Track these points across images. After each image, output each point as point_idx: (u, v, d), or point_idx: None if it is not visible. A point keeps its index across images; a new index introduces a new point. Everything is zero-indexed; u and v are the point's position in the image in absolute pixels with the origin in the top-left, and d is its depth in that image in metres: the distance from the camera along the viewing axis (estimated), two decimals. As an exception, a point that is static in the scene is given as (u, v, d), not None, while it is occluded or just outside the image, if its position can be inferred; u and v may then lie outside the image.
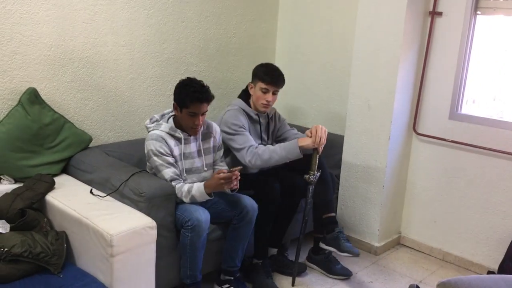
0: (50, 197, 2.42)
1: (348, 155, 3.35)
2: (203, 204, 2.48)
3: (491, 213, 3.05)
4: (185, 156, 2.55)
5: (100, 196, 2.43)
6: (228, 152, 2.81)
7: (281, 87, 2.81)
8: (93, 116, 2.98)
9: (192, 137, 2.58)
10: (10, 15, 2.54)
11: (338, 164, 3.39)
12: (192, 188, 2.43)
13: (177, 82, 2.75)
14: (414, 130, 3.29)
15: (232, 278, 2.66)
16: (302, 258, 3.06)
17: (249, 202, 2.57)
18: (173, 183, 2.45)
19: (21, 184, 2.48)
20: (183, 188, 2.44)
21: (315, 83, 3.78)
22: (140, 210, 2.30)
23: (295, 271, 2.87)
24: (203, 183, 2.43)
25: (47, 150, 2.68)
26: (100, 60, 2.94)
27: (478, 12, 2.99)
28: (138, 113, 3.20)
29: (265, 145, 2.81)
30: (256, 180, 2.77)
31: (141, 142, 3.03)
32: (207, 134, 2.67)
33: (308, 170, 2.73)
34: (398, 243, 3.49)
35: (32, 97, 2.62)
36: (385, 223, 3.31)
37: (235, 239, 2.61)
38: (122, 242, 2.10)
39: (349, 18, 3.46)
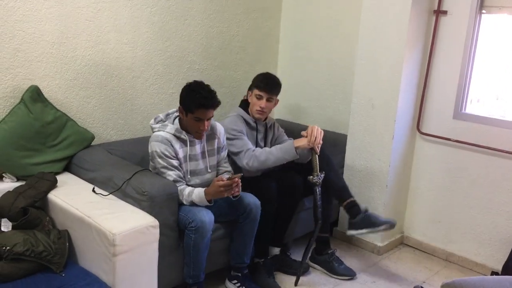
0: (53, 196, 2.41)
1: (351, 154, 3.33)
2: (207, 204, 2.49)
3: (495, 213, 3.03)
4: (190, 158, 2.55)
5: (103, 195, 2.42)
6: (228, 157, 2.83)
7: (276, 94, 2.88)
8: (95, 114, 2.97)
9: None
10: (12, 12, 2.52)
11: (341, 164, 3.38)
12: (192, 193, 2.43)
13: (180, 80, 2.78)
14: (418, 130, 3.28)
15: (239, 274, 2.68)
16: (297, 256, 3.06)
17: (252, 200, 2.58)
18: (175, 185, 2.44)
19: (23, 182, 2.47)
20: (184, 191, 2.44)
21: (319, 81, 3.77)
22: (143, 209, 2.29)
23: (300, 271, 2.87)
24: (203, 189, 2.44)
25: (50, 148, 2.67)
26: (103, 58, 2.92)
27: (483, 11, 2.97)
28: (140, 111, 3.19)
29: None
30: (252, 180, 2.79)
31: (143, 141, 3.02)
32: (211, 135, 2.66)
33: (311, 172, 2.79)
34: (401, 243, 3.48)
35: (35, 95, 2.61)
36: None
37: (241, 237, 2.62)
38: (124, 241, 2.09)
39: (353, 16, 3.44)
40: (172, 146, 2.48)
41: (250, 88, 2.91)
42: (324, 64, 3.71)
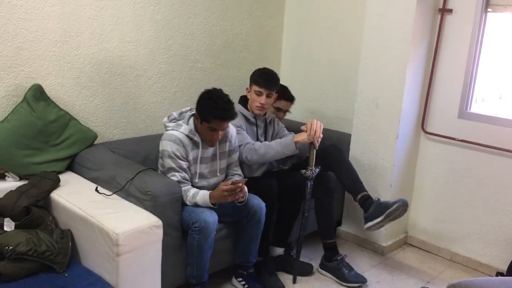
0: (55, 195, 2.40)
1: (355, 153, 3.32)
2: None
3: (500, 213, 3.01)
4: (201, 160, 2.54)
5: (106, 195, 2.40)
6: None
7: (275, 90, 2.85)
8: (98, 113, 2.96)
9: None
10: (15, 10, 2.51)
11: (345, 163, 3.36)
12: (197, 194, 2.42)
13: (183, 78, 2.76)
14: (423, 129, 3.26)
15: (245, 272, 2.69)
16: (306, 258, 3.06)
17: (257, 202, 2.56)
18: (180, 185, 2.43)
19: (26, 182, 2.46)
20: (188, 192, 2.43)
21: (322, 80, 3.75)
22: (146, 208, 2.28)
23: (296, 268, 2.88)
24: (208, 192, 2.42)
25: (52, 147, 2.66)
26: (106, 56, 2.91)
27: (489, 10, 2.95)
28: (143, 110, 3.18)
29: None
30: (254, 180, 2.77)
31: (146, 139, 3.02)
32: (223, 138, 2.62)
33: (306, 166, 2.77)
34: (405, 242, 3.46)
35: (37, 94, 2.60)
36: (392, 222, 3.27)
37: (245, 238, 2.61)
38: (128, 241, 2.08)
39: (357, 14, 3.42)
40: (184, 147, 2.46)
41: (249, 84, 2.88)
42: (327, 62, 3.68)
